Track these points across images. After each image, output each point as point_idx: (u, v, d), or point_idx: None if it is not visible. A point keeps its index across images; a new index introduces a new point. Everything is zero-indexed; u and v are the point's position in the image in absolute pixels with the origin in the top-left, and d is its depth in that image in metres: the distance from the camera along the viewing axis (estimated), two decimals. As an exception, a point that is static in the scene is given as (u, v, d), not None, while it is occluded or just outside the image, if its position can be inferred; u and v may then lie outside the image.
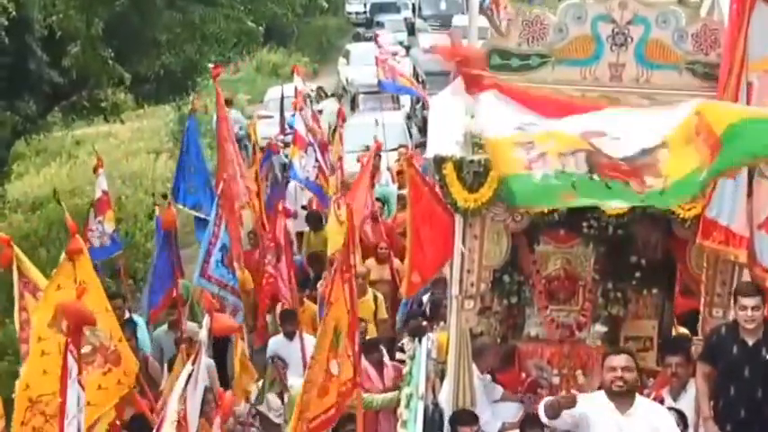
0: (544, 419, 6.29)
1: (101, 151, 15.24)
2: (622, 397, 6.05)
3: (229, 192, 10.83)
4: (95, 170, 10.49)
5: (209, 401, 7.68)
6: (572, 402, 6.05)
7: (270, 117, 19.11)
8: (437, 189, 7.29)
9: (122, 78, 12.77)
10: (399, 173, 14.94)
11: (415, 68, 24.74)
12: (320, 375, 6.96)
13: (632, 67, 6.96)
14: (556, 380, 8.09)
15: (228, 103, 14.81)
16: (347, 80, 27.34)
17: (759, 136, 4.91)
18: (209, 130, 14.86)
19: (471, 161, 6.85)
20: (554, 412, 6.12)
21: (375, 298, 10.84)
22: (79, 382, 5.39)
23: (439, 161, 6.88)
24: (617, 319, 8.13)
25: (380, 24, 35.84)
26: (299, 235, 13.50)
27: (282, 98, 16.91)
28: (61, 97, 14.41)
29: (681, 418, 6.81)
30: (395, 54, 19.42)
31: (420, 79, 22.22)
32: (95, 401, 6.52)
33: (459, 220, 7.24)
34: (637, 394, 6.22)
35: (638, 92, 6.95)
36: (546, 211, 6.97)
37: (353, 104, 23.90)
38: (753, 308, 6.61)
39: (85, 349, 6.50)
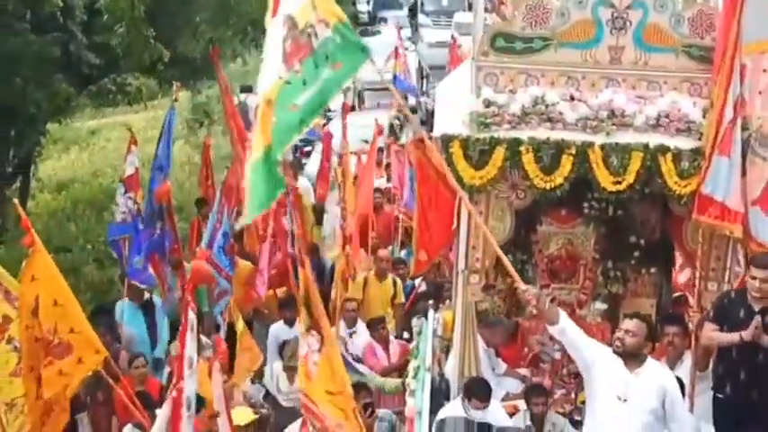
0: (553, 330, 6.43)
1: (118, 139, 15.68)
2: (632, 358, 6.27)
3: (233, 179, 11.02)
4: (129, 147, 10.67)
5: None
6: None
7: None
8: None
9: (162, 56, 13.23)
10: (387, 166, 15.20)
11: (419, 62, 25.19)
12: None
13: (631, 50, 7.22)
14: (557, 355, 8.35)
15: (249, 89, 15.21)
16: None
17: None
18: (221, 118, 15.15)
19: (477, 139, 7.14)
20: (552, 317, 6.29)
21: (394, 282, 11.05)
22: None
23: (446, 140, 7.17)
24: (616, 297, 8.38)
25: (383, 20, 36.13)
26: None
27: None
28: (92, 81, 14.88)
29: (681, 385, 7.07)
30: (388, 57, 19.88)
31: (425, 73, 22.59)
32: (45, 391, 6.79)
33: (464, 197, 7.52)
34: (650, 358, 6.44)
35: (636, 74, 7.23)
36: (548, 188, 7.26)
37: (360, 100, 24.22)
38: (762, 279, 6.75)
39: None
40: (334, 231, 11.97)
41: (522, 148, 7.14)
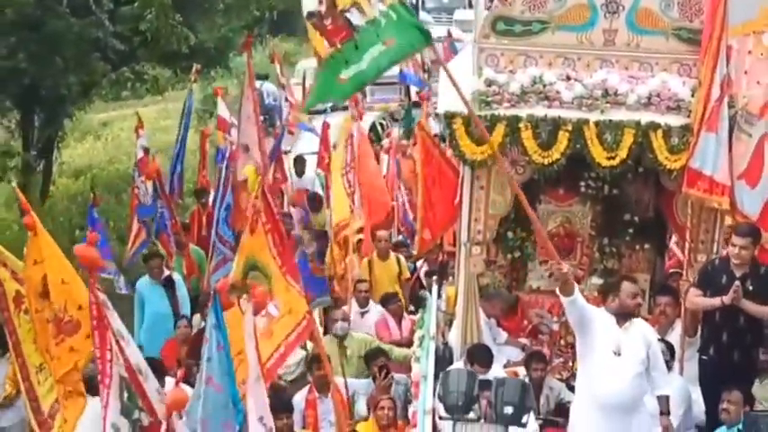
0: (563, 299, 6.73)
1: (130, 128, 16.22)
2: (623, 316, 6.67)
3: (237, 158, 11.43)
4: (137, 130, 11.11)
5: None
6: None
7: (299, 84, 20.45)
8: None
9: (188, 39, 13.79)
10: (387, 150, 15.58)
11: (422, 57, 25.76)
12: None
13: (624, 33, 7.63)
14: (555, 326, 8.76)
15: (265, 77, 15.69)
16: None
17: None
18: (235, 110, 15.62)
19: (480, 116, 7.55)
20: (568, 289, 6.62)
21: (398, 260, 11.38)
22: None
23: (449, 116, 7.59)
24: (612, 272, 8.68)
25: None
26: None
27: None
28: (114, 68, 15.46)
29: (669, 348, 7.49)
30: None
31: (426, 67, 23.11)
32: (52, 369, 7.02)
33: (467, 171, 7.95)
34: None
35: (628, 55, 7.65)
36: (545, 163, 7.67)
37: (363, 95, 24.67)
38: (741, 247, 7.19)
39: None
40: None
41: (521, 125, 7.56)
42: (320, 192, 14.55)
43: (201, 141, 13.51)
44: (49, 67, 13.37)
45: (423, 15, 36.18)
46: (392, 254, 11.33)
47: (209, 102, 18.50)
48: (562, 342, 8.71)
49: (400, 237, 12.75)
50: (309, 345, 9.05)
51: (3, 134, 13.94)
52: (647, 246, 8.77)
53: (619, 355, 6.49)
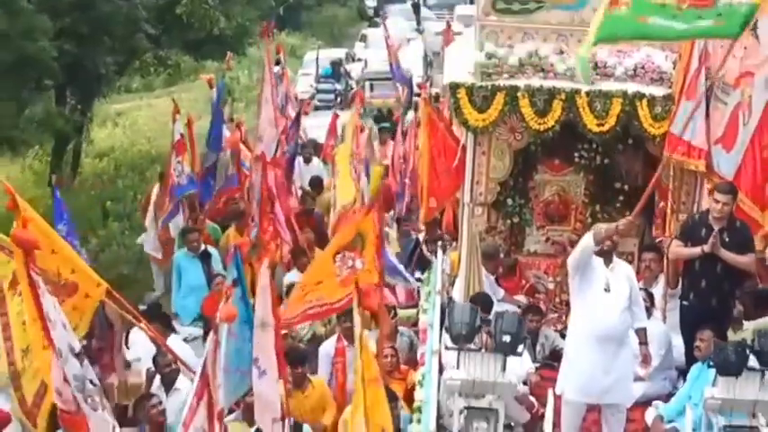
0: (590, 243, 7.19)
1: (146, 116, 17.06)
2: (607, 256, 7.36)
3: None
4: (174, 115, 11.90)
5: None
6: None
7: (308, 74, 21.36)
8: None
9: (219, 21, 14.67)
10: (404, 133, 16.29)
11: (425, 50, 26.92)
12: (327, 263, 8.27)
13: (612, 11, 8.43)
14: (551, 286, 9.52)
15: (277, 63, 16.35)
16: (366, 62, 29.11)
17: None
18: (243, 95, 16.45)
19: (480, 87, 8.35)
20: (601, 238, 7.17)
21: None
22: (48, 292, 6.01)
23: (454, 87, 8.39)
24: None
25: (386, 14, 38.13)
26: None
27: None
28: (145, 51, 16.40)
29: (649, 296, 8.25)
30: (408, 40, 21.05)
31: (429, 59, 24.16)
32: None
33: (469, 138, 8.73)
34: (614, 255, 7.56)
35: (616, 31, 8.42)
36: (541, 129, 8.44)
37: (370, 89, 25.55)
38: (724, 203, 7.79)
39: None
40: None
41: (519, 95, 8.36)
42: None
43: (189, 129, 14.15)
44: (94, 48, 14.23)
45: (425, 12, 37.53)
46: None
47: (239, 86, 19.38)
48: (557, 300, 9.46)
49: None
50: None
51: (40, 112, 14.67)
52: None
53: (608, 291, 7.23)
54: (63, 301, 7.17)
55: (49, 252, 7.28)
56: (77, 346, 6.10)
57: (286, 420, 7.04)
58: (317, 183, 14.44)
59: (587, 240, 7.19)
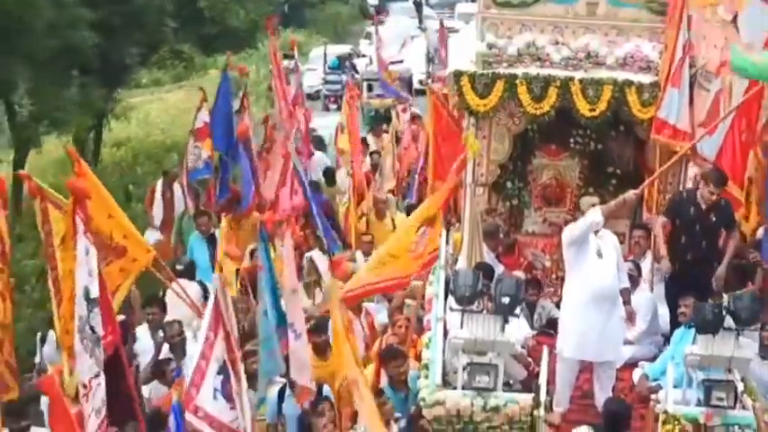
0: (598, 219, 7.96)
1: (158, 109, 17.83)
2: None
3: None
4: (201, 104, 12.60)
5: None
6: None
7: (314, 69, 22.26)
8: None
9: (239, 15, 15.42)
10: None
11: (427, 47, 27.79)
12: (410, 236, 8.96)
13: (603, 5, 9.14)
14: (548, 263, 10.16)
15: (290, 56, 17.10)
16: (370, 59, 29.95)
17: None
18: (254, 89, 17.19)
19: (482, 75, 9.01)
20: (609, 212, 7.97)
21: (392, 220, 12.88)
22: (86, 237, 6.27)
23: (457, 75, 9.06)
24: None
25: (387, 12, 39.15)
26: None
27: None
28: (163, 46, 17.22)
29: (637, 268, 8.94)
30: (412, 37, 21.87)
31: (431, 56, 25.01)
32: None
33: (471, 122, 9.41)
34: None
35: (607, 24, 9.13)
36: (537, 114, 9.11)
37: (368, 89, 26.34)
38: (717, 195, 8.50)
39: None
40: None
41: (518, 82, 9.00)
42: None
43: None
44: (123, 39, 15.00)
45: (427, 11, 38.47)
46: (388, 214, 12.76)
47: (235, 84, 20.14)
48: (553, 276, 10.12)
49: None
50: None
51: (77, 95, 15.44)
52: (627, 195, 10.20)
53: (601, 257, 7.92)
54: (111, 262, 8.00)
55: (105, 217, 8.03)
56: (95, 293, 6.36)
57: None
58: (330, 174, 15.17)
59: (595, 217, 7.92)
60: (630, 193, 8.02)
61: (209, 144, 12.61)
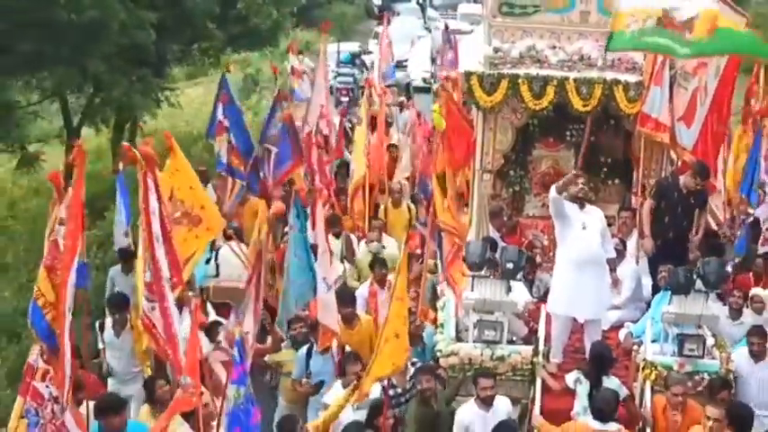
0: (553, 194, 9.01)
1: (183, 103, 18.98)
2: (580, 201, 9.20)
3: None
4: (223, 101, 13.68)
5: None
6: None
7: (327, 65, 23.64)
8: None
9: (271, 15, 16.66)
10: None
11: (431, 48, 29.19)
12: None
13: (595, 14, 10.34)
14: (546, 242, 11.34)
15: (300, 52, 18.39)
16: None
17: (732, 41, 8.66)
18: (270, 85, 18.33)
19: (489, 74, 10.25)
20: (560, 187, 8.96)
21: (408, 208, 13.67)
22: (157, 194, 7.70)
23: (468, 74, 10.30)
24: (590, 203, 11.32)
25: (394, 12, 40.29)
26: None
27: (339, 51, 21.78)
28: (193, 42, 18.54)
29: (622, 242, 10.20)
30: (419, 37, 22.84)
31: (434, 57, 26.34)
32: (180, 250, 8.67)
33: (479, 116, 10.68)
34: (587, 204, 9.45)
35: (599, 31, 10.30)
36: (537, 109, 10.35)
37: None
38: (701, 185, 9.91)
39: (177, 214, 9.11)
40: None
41: (520, 81, 10.20)
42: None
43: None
44: (177, 38, 16.31)
45: (431, 12, 39.70)
46: (404, 202, 13.58)
47: (247, 80, 21.14)
48: (551, 253, 11.32)
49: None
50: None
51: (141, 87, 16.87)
52: (617, 182, 11.28)
53: (585, 229, 9.15)
54: (190, 229, 9.19)
55: (187, 188, 9.30)
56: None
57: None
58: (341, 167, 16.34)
59: (552, 192, 9.07)
60: (572, 174, 9.23)
61: (225, 140, 13.41)
